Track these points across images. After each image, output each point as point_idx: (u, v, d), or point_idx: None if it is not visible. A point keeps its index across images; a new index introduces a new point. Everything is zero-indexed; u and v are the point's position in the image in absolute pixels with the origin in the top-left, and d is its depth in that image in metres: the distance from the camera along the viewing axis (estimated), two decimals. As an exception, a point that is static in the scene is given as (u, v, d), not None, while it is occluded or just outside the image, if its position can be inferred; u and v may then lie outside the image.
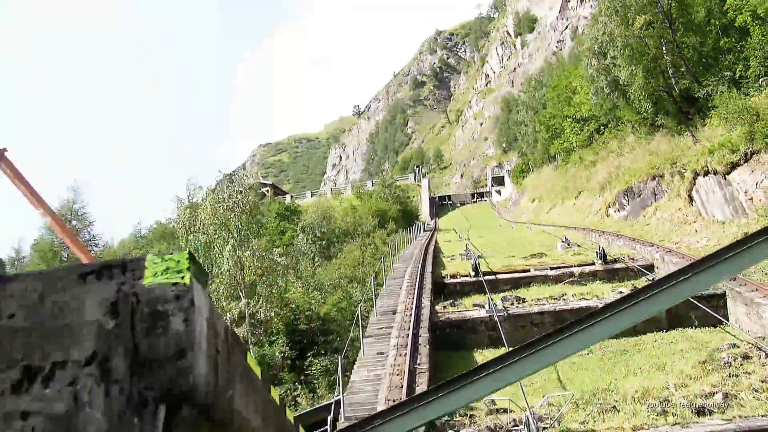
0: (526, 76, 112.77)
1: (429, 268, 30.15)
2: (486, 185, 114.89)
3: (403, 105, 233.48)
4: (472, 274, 28.85)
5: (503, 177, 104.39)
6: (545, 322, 20.70)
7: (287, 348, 29.58)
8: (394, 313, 21.64)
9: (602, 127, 57.66)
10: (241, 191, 29.60)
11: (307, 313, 32.09)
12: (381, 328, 20.16)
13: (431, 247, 41.14)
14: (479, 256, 35.68)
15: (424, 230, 71.60)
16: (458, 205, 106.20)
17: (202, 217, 27.88)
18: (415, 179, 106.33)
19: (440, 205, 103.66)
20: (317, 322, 31.88)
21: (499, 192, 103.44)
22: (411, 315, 20.62)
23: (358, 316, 19.30)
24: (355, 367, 17.01)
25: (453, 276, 29.81)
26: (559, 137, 67.95)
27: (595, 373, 16.66)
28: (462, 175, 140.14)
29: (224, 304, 27.25)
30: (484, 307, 22.77)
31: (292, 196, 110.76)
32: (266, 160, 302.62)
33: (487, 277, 27.84)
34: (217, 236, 28.17)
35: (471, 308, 23.66)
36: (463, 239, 50.12)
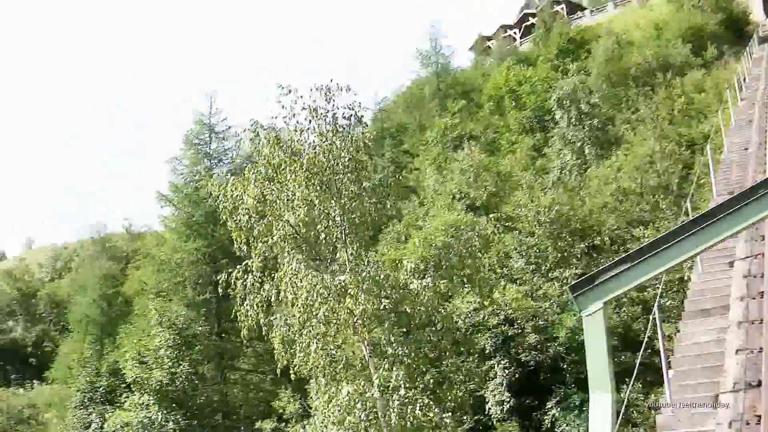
0: None
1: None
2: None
3: None
4: None
5: None
6: None
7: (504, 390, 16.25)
8: None
9: None
10: (341, 125, 13.32)
11: (534, 336, 17.58)
12: None
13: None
14: None
15: (759, 43, 51.00)
16: (800, -12, 78.54)
17: (257, 192, 12.86)
18: (741, -34, 79.91)
19: (776, -7, 76.98)
20: (555, 347, 17.41)
21: None
22: None
23: None
24: None
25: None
26: None
27: None
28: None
29: (323, 387, 13.10)
30: None
31: (591, 11, 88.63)
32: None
33: None
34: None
35: None
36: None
